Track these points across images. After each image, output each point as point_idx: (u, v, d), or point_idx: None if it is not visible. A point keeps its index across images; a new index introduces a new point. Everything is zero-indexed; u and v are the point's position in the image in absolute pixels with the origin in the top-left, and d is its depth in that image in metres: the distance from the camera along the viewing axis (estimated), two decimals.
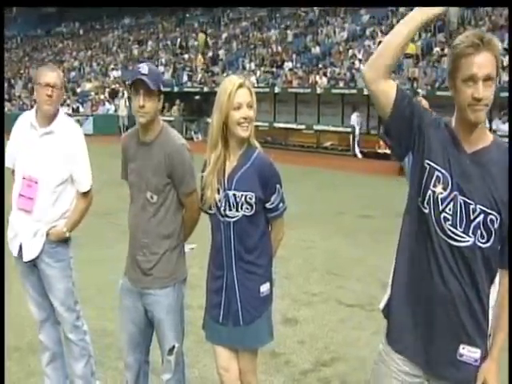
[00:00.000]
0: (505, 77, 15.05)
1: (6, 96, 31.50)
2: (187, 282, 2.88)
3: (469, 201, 1.85)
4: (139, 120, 2.65)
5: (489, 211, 1.84)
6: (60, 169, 3.04)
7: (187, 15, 35.41)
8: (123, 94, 25.58)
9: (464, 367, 1.92)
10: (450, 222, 1.87)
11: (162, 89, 2.69)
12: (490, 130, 15.31)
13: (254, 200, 2.43)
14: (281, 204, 2.53)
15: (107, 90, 27.53)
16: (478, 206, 1.85)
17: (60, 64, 32.16)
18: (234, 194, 2.43)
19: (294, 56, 23.38)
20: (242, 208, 2.43)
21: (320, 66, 21.50)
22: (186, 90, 24.57)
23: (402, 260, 1.99)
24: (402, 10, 21.94)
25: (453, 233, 1.87)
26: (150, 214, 2.71)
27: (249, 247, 2.48)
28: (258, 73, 23.07)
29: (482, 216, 1.85)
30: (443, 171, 1.88)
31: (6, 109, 28.25)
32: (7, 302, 4.55)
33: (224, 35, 29.53)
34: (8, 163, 3.21)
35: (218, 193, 2.45)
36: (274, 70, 22.95)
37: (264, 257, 2.53)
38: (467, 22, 19.81)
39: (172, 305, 2.76)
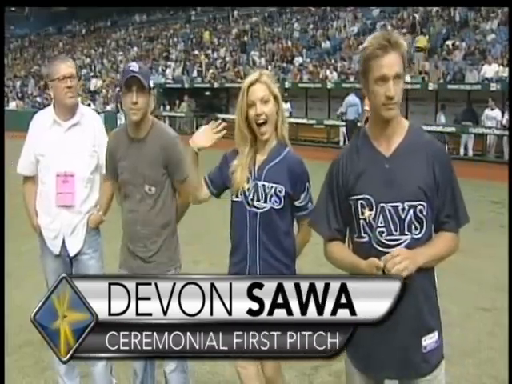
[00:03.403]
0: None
1: (20, 94, 31.79)
2: None
3: (395, 204, 1.92)
4: (132, 118, 2.71)
5: (416, 203, 1.91)
6: (91, 158, 3.10)
7: (197, 11, 35.39)
8: None
9: (431, 355, 1.98)
10: (385, 234, 1.93)
11: (152, 87, 2.80)
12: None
13: (283, 193, 2.41)
14: (309, 204, 2.50)
15: (117, 88, 27.60)
16: (406, 204, 1.91)
17: None
18: (264, 185, 2.42)
19: (305, 51, 23.30)
20: (270, 200, 2.42)
21: (330, 60, 21.41)
22: (196, 86, 24.61)
23: None
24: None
25: (390, 240, 1.93)
26: (149, 206, 2.79)
27: (274, 240, 2.45)
28: (269, 68, 23.02)
29: (411, 211, 1.91)
30: (363, 195, 1.95)
31: (18, 107, 28.56)
32: (18, 297, 4.61)
33: (234, 31, 29.50)
34: (25, 171, 3.18)
35: (247, 182, 2.45)
36: (285, 65, 22.90)
37: (287, 254, 2.50)
38: (479, 14, 19.60)
39: None
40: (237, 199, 2.48)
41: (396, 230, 1.92)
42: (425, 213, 1.92)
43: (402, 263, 1.78)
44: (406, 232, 1.92)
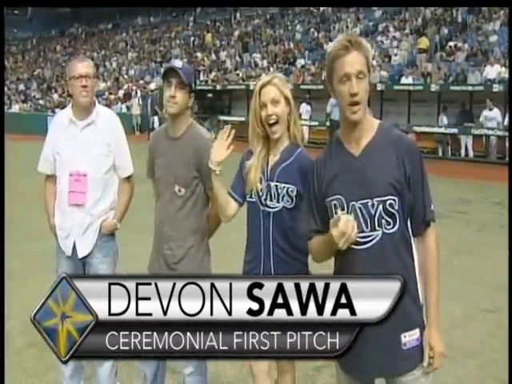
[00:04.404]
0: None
1: (22, 97, 31.87)
2: None
3: (365, 201, 1.96)
4: (168, 110, 2.72)
5: (385, 198, 1.95)
6: (105, 158, 3.08)
7: (196, 14, 35.47)
8: (136, 93, 25.72)
9: (411, 353, 1.98)
10: (357, 231, 1.93)
11: (193, 87, 2.78)
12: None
13: (294, 193, 2.46)
14: None
15: (120, 91, 27.67)
16: (375, 200, 1.95)
17: None
18: (276, 185, 2.48)
19: (307, 52, 23.33)
20: (282, 199, 2.47)
21: None
22: (198, 87, 24.64)
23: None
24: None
25: (362, 237, 1.96)
26: (177, 208, 2.76)
27: (287, 238, 2.49)
28: (271, 70, 23.03)
29: (380, 206, 1.95)
30: (336, 196, 2.01)
31: (21, 110, 28.64)
32: (22, 298, 4.62)
33: (236, 33, 29.56)
34: (45, 170, 3.21)
35: (261, 182, 2.50)
36: (287, 66, 22.92)
37: (301, 253, 2.50)
38: (481, 15, 19.59)
39: None
40: (251, 199, 2.54)
41: (367, 227, 1.96)
42: (396, 207, 1.95)
43: (439, 359, 1.96)
44: (377, 228, 1.96)
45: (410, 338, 1.97)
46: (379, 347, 1.96)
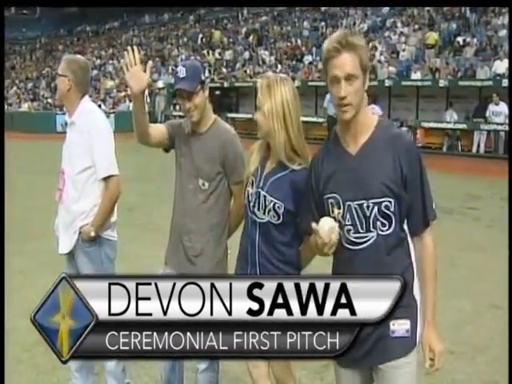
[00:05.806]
0: None
1: (31, 96, 32.07)
2: None
3: (360, 202, 1.95)
4: (192, 119, 2.74)
5: (380, 200, 1.93)
6: (79, 158, 3.06)
7: (206, 11, 35.47)
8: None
9: (399, 341, 1.96)
10: (352, 231, 1.97)
11: (204, 78, 2.76)
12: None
13: (282, 210, 2.34)
14: None
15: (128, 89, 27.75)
16: (370, 201, 1.94)
17: None
18: (265, 196, 2.36)
19: (314, 49, 23.26)
20: (268, 213, 2.36)
21: None
22: None
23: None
24: None
25: (357, 238, 1.97)
26: (200, 201, 2.76)
27: (273, 250, 2.40)
28: (279, 66, 23.00)
29: (375, 208, 1.94)
30: (333, 194, 2.00)
31: (30, 108, 28.83)
32: (32, 295, 4.65)
33: (243, 30, 29.52)
34: None
35: (252, 186, 2.41)
36: (294, 63, 22.87)
37: (290, 266, 2.41)
38: (490, 9, 19.43)
39: None
40: (244, 201, 2.47)
41: (362, 228, 1.96)
42: (392, 209, 1.94)
43: (440, 359, 1.95)
44: (372, 229, 1.95)
45: (398, 326, 1.95)
46: (368, 334, 1.93)
